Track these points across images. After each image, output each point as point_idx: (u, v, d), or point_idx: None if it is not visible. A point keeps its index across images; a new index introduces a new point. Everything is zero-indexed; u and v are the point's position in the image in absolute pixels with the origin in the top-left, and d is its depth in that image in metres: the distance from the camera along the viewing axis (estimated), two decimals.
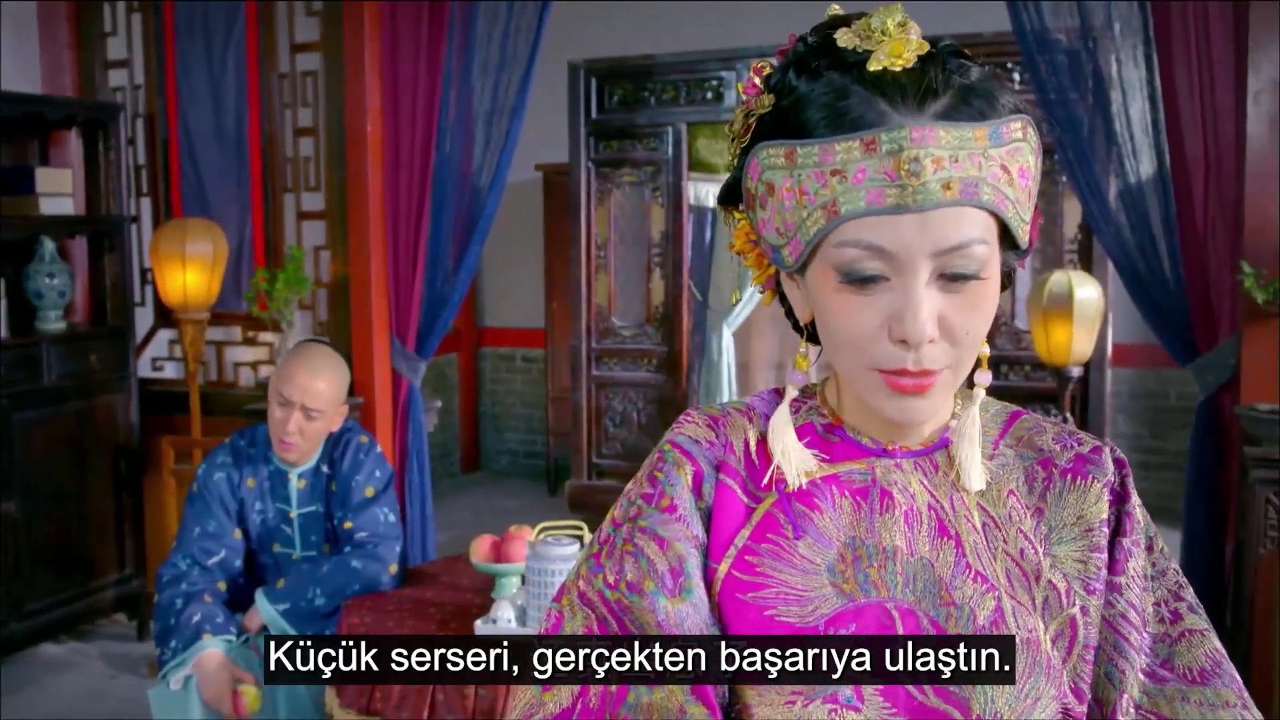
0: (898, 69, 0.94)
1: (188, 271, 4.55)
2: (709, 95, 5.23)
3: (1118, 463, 1.08)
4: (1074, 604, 1.02)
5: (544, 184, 7.36)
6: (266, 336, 5.02)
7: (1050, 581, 1.02)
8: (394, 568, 2.91)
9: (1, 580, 4.50)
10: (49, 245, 4.75)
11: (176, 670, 2.76)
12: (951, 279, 0.94)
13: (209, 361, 5.10)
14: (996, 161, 0.94)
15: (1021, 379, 4.97)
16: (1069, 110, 3.86)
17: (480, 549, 2.81)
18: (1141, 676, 1.04)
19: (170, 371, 5.26)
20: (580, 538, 2.62)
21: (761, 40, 5.21)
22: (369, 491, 2.97)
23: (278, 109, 4.90)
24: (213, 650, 2.75)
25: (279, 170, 4.93)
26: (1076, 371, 4.46)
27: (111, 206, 4.98)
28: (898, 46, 0.96)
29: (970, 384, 1.05)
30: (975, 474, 1.04)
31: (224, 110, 5.00)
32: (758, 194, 0.99)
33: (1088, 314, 4.35)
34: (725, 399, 5.30)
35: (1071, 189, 4.32)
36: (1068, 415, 4.46)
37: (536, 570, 2.54)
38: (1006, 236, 0.97)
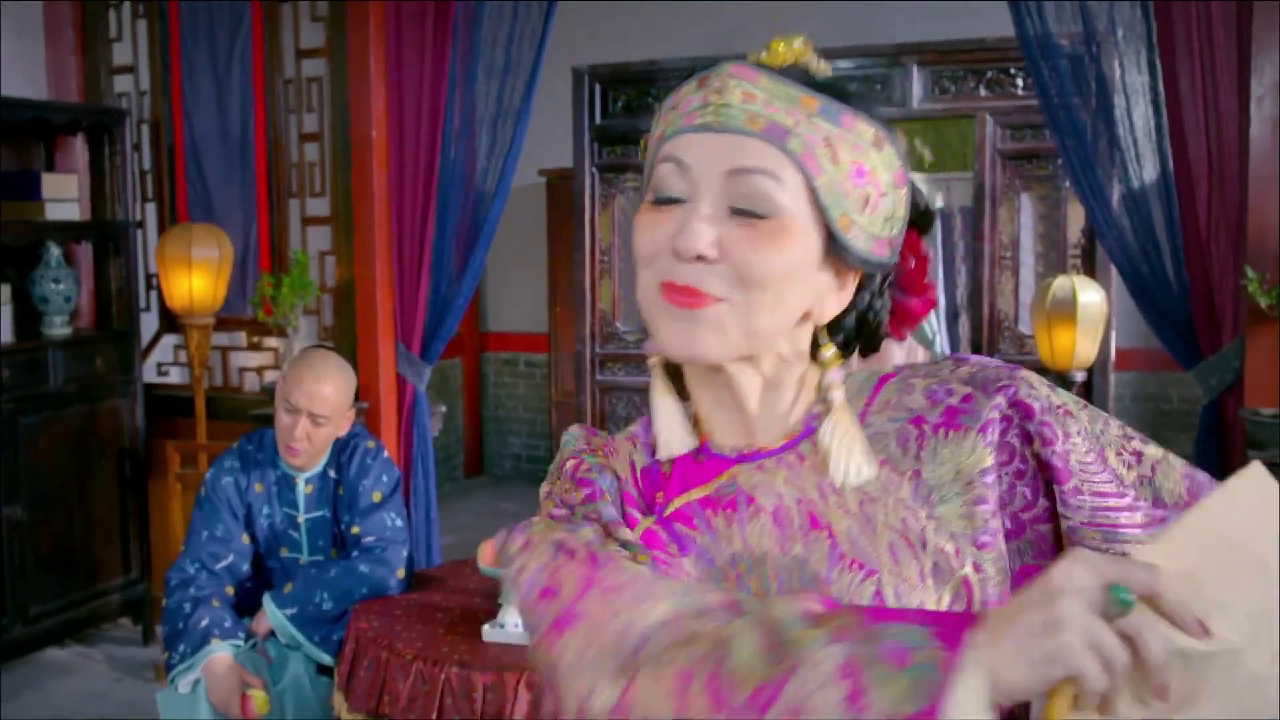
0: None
1: (193, 276, 4.56)
2: None
3: (1003, 387, 1.01)
4: (965, 564, 0.99)
5: (547, 189, 7.37)
6: (271, 341, 5.03)
7: (938, 546, 0.99)
8: (401, 572, 2.92)
9: (6, 584, 4.51)
10: (55, 250, 4.76)
11: (185, 674, 2.77)
12: (741, 213, 0.96)
13: (214, 366, 5.11)
14: (821, 132, 0.97)
15: None
16: (1072, 115, 3.87)
17: (487, 553, 2.83)
18: (1144, 535, 1.01)
19: (175, 376, 5.27)
20: None
21: (763, 46, 5.22)
22: (376, 496, 2.98)
23: (283, 114, 4.92)
24: (221, 654, 2.76)
25: (284, 175, 4.94)
26: (1080, 376, 4.47)
27: (117, 212, 5.00)
28: (776, 43, 1.03)
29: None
30: (853, 467, 1.01)
31: (229, 115, 5.01)
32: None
33: (1091, 318, 4.36)
34: None
35: (1075, 193, 4.33)
36: None
37: None
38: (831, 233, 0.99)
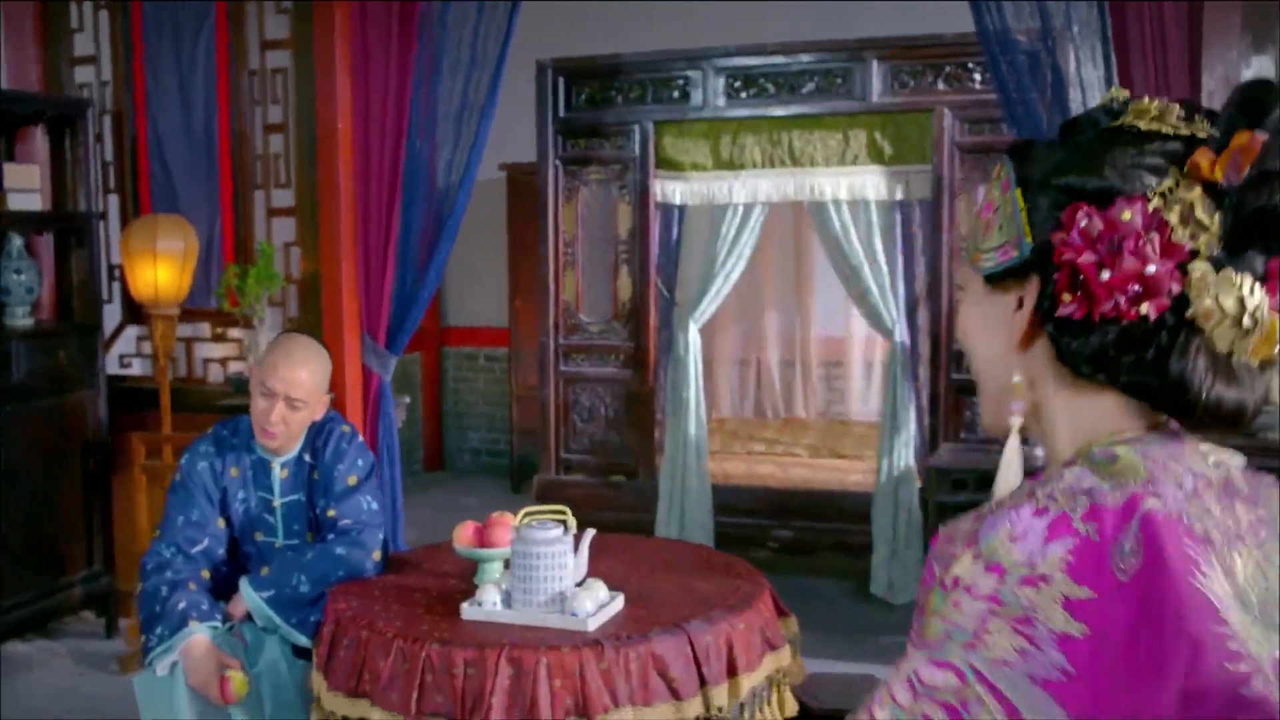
0: None
1: (159, 267, 4.55)
2: (675, 94, 5.29)
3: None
4: None
5: (509, 183, 7.41)
6: (236, 333, 5.03)
7: None
8: (377, 554, 2.95)
9: None
10: (16, 241, 4.73)
11: (163, 656, 2.77)
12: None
13: (178, 358, 5.10)
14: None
15: None
16: (1030, 108, 3.96)
17: (464, 535, 2.86)
18: None
19: (138, 368, 5.25)
20: (564, 522, 2.68)
21: (726, 40, 5.30)
22: (351, 480, 3.01)
23: (247, 106, 4.92)
24: (199, 636, 2.77)
25: (249, 167, 4.94)
26: None
27: (79, 203, 4.97)
28: None
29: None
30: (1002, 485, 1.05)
31: (193, 107, 5.01)
32: None
33: None
34: (691, 394, 5.35)
35: None
36: None
37: (521, 554, 2.59)
38: None
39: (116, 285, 5.19)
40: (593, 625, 2.50)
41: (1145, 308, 0.94)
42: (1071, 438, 1.01)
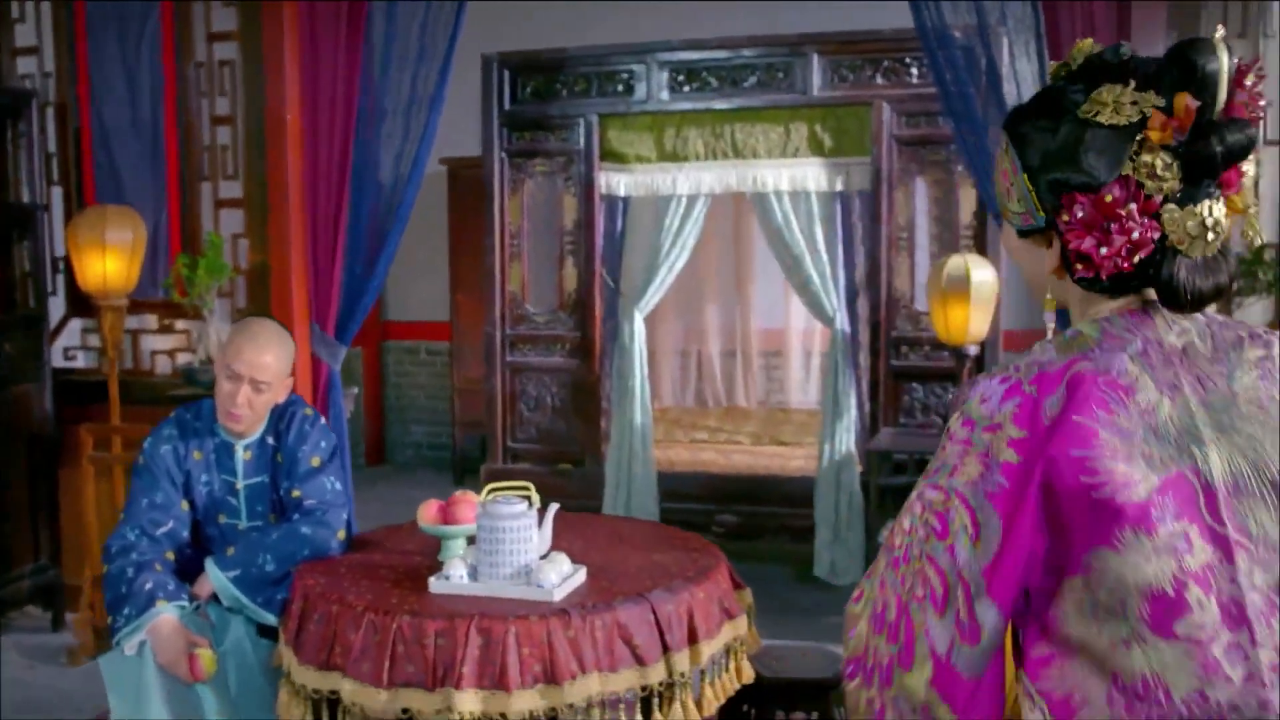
0: None
1: (108, 258, 4.56)
2: (620, 88, 5.39)
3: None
4: None
5: (449, 177, 7.45)
6: (183, 324, 5.04)
7: None
8: (342, 534, 3.00)
9: None
10: None
11: (131, 636, 2.80)
12: None
13: (125, 349, 5.09)
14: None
15: (921, 358, 5.23)
16: (967, 102, 4.11)
17: (428, 513, 2.93)
18: None
19: (82, 361, 5.24)
20: (528, 498, 2.76)
21: (670, 35, 5.40)
22: (315, 461, 3.06)
23: (194, 98, 4.93)
24: (167, 615, 2.80)
25: (196, 158, 4.96)
26: (973, 350, 4.73)
27: (21, 195, 4.95)
28: None
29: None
30: None
31: (139, 99, 5.02)
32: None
33: (983, 295, 4.62)
34: (637, 382, 5.45)
35: (969, 175, 4.58)
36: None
37: (488, 528, 2.67)
38: None
39: (60, 278, 5.17)
40: (558, 596, 2.58)
41: (1137, 257, 1.31)
42: (1078, 311, 1.42)
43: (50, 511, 5.08)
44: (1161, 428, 1.27)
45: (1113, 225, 1.29)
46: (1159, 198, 1.29)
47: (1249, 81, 1.30)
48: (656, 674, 2.55)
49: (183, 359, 5.04)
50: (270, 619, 2.90)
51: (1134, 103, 1.29)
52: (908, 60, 5.03)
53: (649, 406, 5.51)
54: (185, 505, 3.09)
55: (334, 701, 2.59)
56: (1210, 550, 1.24)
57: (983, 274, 4.62)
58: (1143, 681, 1.24)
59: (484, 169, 5.55)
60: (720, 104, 5.26)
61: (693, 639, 2.63)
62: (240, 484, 3.09)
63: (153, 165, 5.03)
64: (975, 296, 4.58)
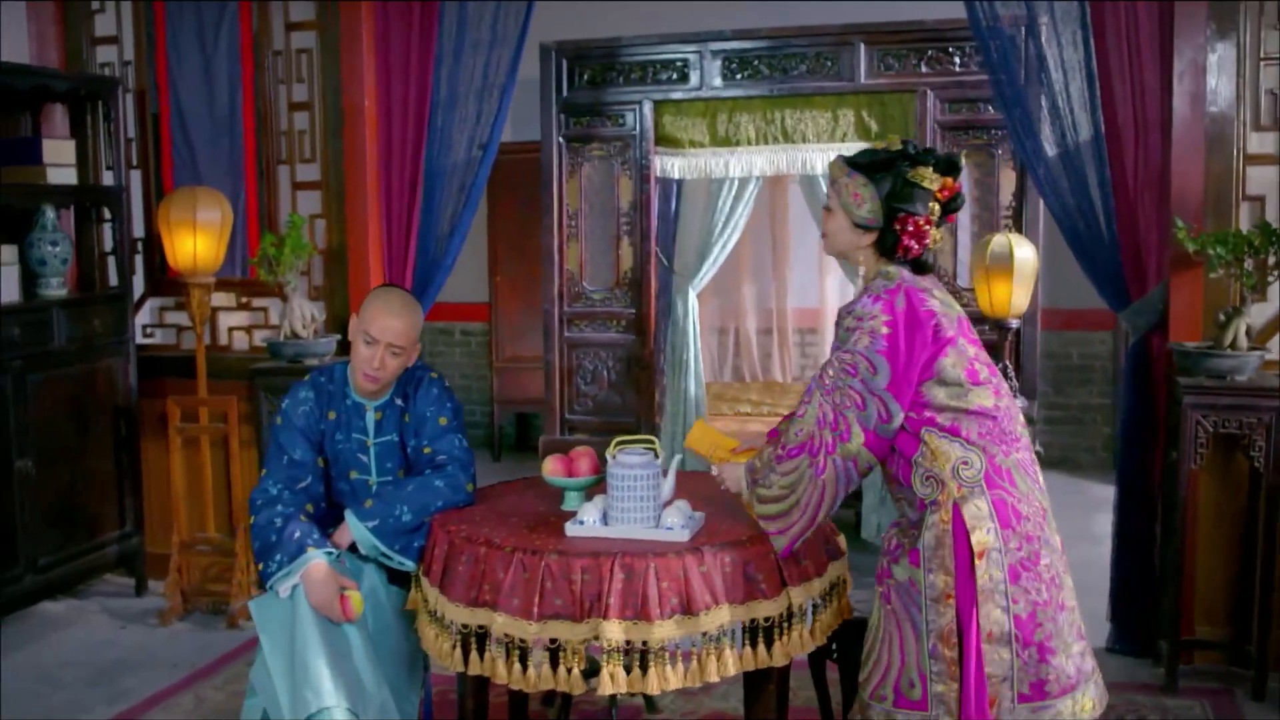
0: None
1: (198, 237, 4.79)
2: (674, 75, 5.64)
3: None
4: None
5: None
6: (260, 301, 5.27)
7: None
8: (470, 487, 3.25)
9: (16, 536, 4.68)
10: (50, 214, 4.92)
11: (284, 580, 3.04)
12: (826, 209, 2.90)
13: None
14: (845, 180, 2.81)
15: None
16: (1016, 89, 4.37)
17: (553, 466, 3.19)
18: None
19: (159, 338, 5.46)
20: (653, 449, 3.02)
21: (723, 24, 5.65)
22: (443, 420, 3.30)
23: (271, 85, 5.16)
24: (319, 561, 3.04)
25: (273, 143, 5.19)
26: (1015, 324, 5.01)
27: (101, 178, 5.18)
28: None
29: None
30: None
31: (216, 86, 5.23)
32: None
33: (1025, 272, 4.89)
34: (691, 355, 5.72)
35: (1019, 157, 4.85)
36: (1007, 364, 5.00)
37: (619, 476, 2.92)
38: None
39: (138, 258, 5.39)
40: (686, 537, 2.85)
41: (926, 250, 2.75)
42: (871, 275, 2.78)
43: (134, 481, 5.31)
44: (942, 304, 2.70)
45: (922, 234, 2.71)
46: (934, 223, 2.73)
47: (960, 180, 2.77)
48: (777, 606, 2.81)
49: (259, 335, 5.26)
50: (409, 565, 3.15)
51: (935, 178, 2.69)
52: (951, 49, 5.28)
53: (702, 379, 5.77)
54: (321, 462, 3.33)
55: (480, 635, 2.84)
56: (977, 349, 2.72)
57: (1025, 251, 4.89)
58: (979, 409, 2.63)
59: (542, 153, 5.79)
60: (771, 91, 5.51)
61: (805, 575, 2.90)
62: (371, 442, 3.34)
63: (230, 150, 5.25)
64: (1018, 272, 4.85)
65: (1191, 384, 3.96)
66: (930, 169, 2.67)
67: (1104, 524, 5.87)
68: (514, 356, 7.88)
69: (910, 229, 2.67)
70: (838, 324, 2.71)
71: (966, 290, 5.24)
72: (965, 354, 2.64)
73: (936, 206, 2.69)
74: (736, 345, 7.44)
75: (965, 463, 2.59)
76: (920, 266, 2.75)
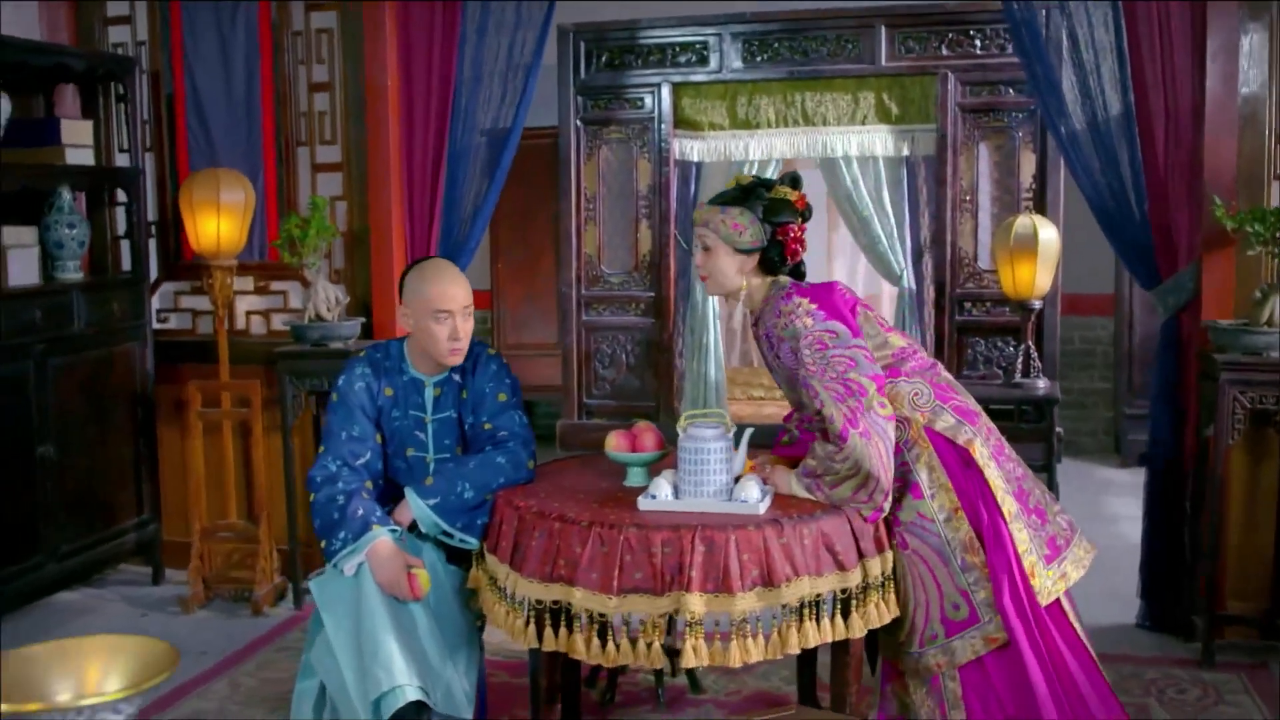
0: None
1: (222, 219, 4.73)
2: (693, 58, 5.63)
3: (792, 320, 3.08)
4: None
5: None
6: (278, 285, 5.22)
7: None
8: (531, 464, 3.22)
9: (38, 524, 4.61)
10: (66, 196, 4.84)
11: (349, 558, 3.00)
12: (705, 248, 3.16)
13: (214, 312, 5.24)
14: (720, 216, 3.10)
15: (983, 314, 5.54)
16: (1048, 71, 4.39)
17: (618, 441, 3.17)
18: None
19: (174, 322, 5.39)
20: (723, 423, 3.01)
21: (742, 6, 5.65)
22: (502, 397, 3.27)
23: (291, 66, 5.10)
24: (385, 539, 3.01)
25: (293, 124, 5.13)
26: (1037, 304, 5.04)
27: (115, 159, 5.11)
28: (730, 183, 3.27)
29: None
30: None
31: (233, 67, 5.17)
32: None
33: (1049, 253, 4.93)
34: (711, 339, 5.72)
35: (1048, 136, 4.88)
36: (1029, 343, 5.02)
37: (691, 450, 2.91)
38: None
39: (152, 241, 5.31)
40: (762, 510, 2.84)
41: (800, 255, 3.12)
42: (762, 294, 3.12)
43: (151, 468, 5.23)
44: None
45: (801, 239, 3.06)
46: (801, 229, 3.08)
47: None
48: (855, 577, 2.82)
49: (278, 320, 5.20)
50: (472, 542, 3.12)
51: (792, 192, 3.04)
52: (972, 32, 5.31)
53: (722, 362, 5.77)
54: (379, 438, 3.30)
55: (555, 611, 2.82)
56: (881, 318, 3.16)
57: (1048, 233, 4.92)
58: (900, 350, 3.08)
59: (560, 137, 5.77)
60: (791, 73, 5.51)
61: (880, 547, 2.90)
62: (429, 419, 3.30)
63: (248, 132, 5.19)
64: (1042, 254, 4.89)
65: (1229, 360, 4.00)
66: (784, 186, 3.05)
67: (1112, 505, 5.95)
68: (516, 344, 7.85)
69: (793, 234, 3.03)
70: (780, 338, 3.02)
71: (988, 272, 5.26)
72: (867, 311, 3.10)
73: (796, 218, 3.05)
74: (745, 330, 7.45)
75: (916, 393, 3.00)
76: (798, 274, 3.16)
